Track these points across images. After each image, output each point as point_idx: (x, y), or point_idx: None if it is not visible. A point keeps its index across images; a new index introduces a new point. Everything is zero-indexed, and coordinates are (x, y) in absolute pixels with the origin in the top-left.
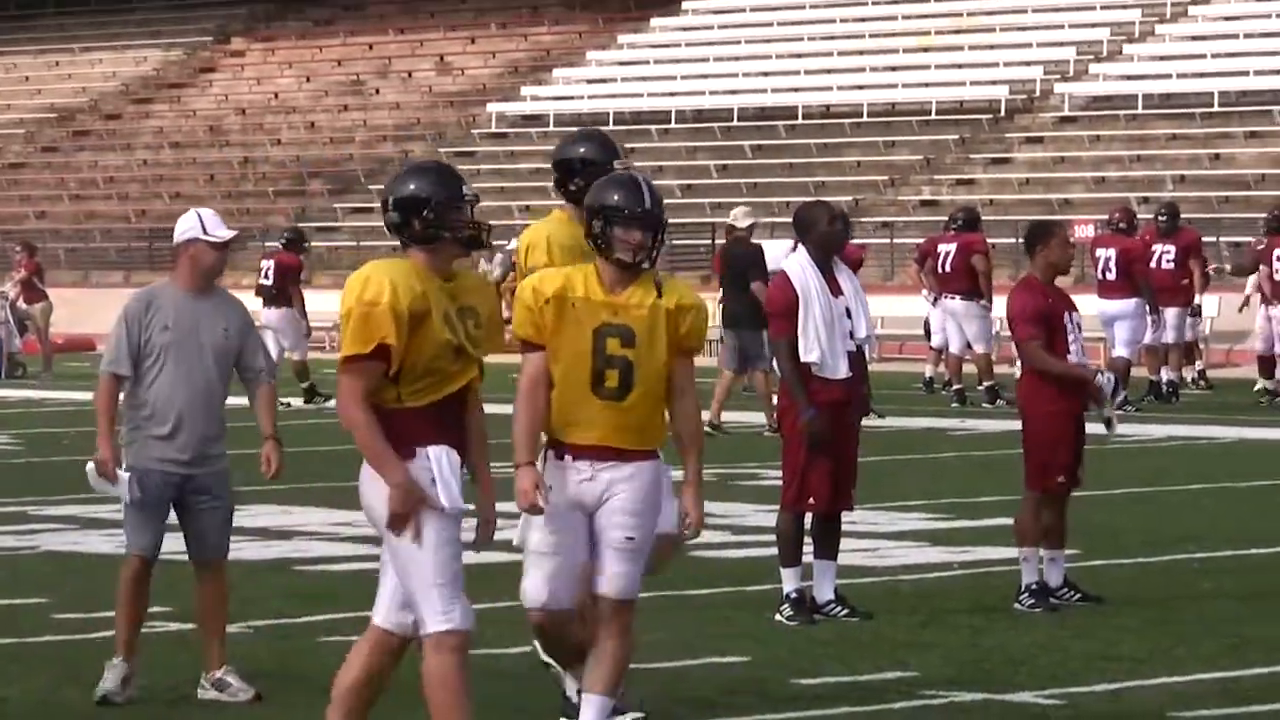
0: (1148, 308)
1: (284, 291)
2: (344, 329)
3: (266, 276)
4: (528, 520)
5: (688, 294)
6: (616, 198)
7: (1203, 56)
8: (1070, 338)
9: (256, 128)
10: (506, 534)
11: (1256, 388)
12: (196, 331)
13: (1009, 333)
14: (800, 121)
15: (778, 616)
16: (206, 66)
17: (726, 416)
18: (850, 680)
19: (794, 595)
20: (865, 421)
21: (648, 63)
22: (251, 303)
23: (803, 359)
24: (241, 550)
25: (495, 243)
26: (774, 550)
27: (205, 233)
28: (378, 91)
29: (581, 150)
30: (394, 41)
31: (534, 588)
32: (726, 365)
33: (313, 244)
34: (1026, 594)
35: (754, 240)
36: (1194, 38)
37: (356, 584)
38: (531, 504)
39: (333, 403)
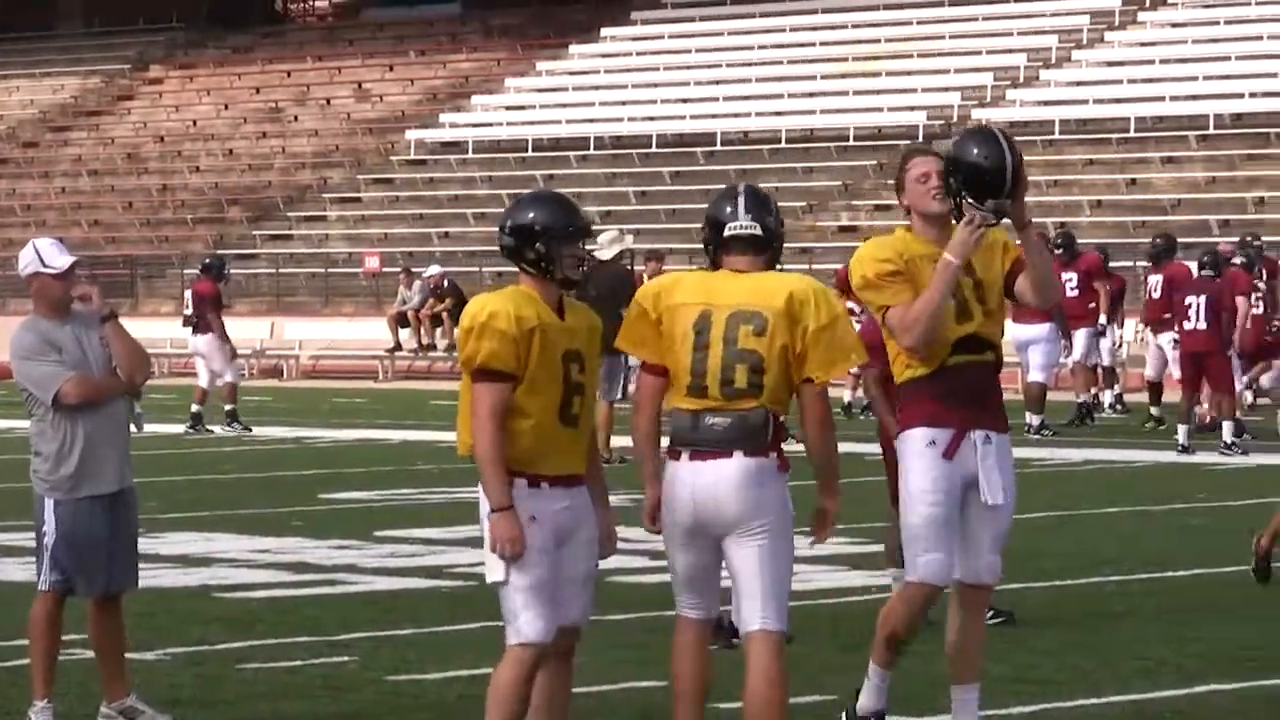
0: (1060, 333)
1: (205, 319)
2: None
3: (188, 305)
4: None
5: None
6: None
7: (1119, 82)
8: None
9: (175, 155)
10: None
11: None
12: (83, 350)
13: None
14: (719, 148)
15: None
16: (125, 94)
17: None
18: None
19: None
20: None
21: (566, 89)
22: (180, 331)
23: None
24: (160, 577)
25: (414, 269)
26: None
27: (45, 265)
28: (296, 119)
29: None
30: (312, 69)
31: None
32: (605, 396)
33: (231, 271)
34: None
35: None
36: (1110, 64)
37: (276, 611)
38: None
39: (254, 432)
